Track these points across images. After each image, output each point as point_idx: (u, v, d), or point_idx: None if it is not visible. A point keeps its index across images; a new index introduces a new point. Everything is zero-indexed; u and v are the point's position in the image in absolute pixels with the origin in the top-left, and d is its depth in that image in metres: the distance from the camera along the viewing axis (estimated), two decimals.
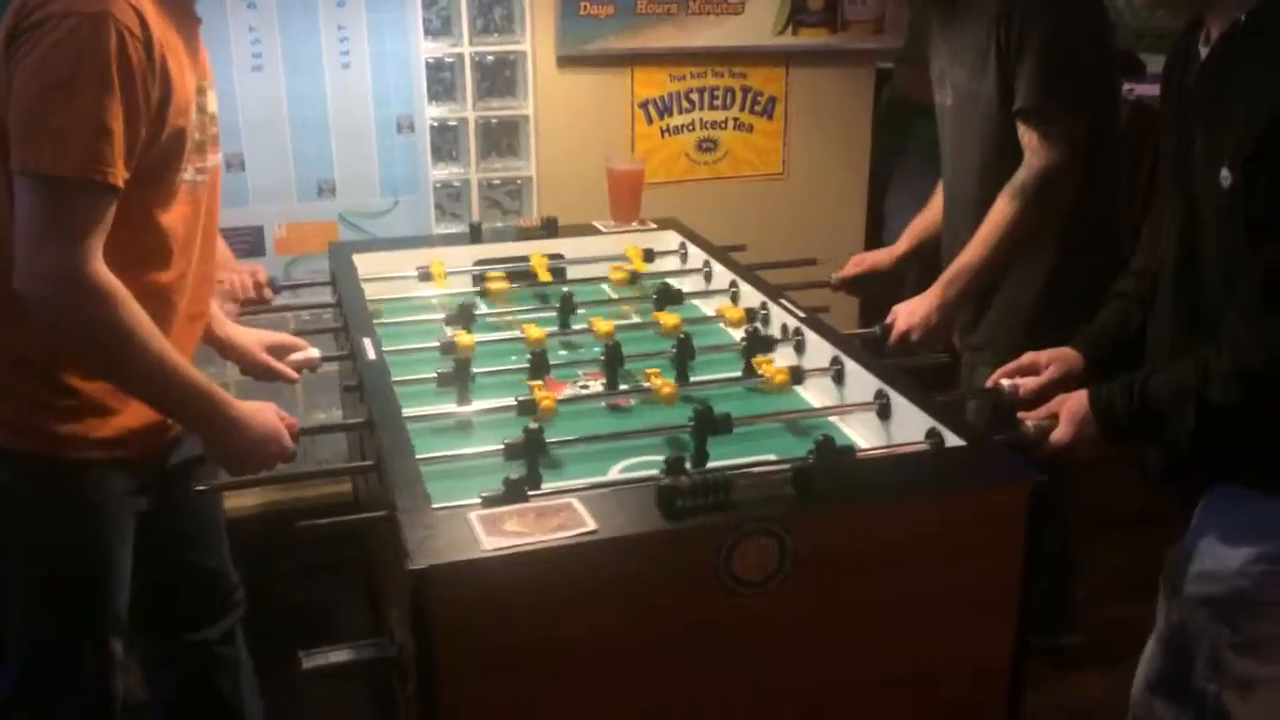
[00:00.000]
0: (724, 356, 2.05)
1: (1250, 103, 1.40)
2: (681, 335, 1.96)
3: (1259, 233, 1.41)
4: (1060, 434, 1.64)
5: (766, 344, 1.99)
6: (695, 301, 2.38)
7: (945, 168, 2.42)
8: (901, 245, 2.56)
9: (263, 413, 1.65)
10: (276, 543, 2.25)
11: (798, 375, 1.89)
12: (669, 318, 2.09)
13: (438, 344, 1.97)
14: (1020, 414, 1.70)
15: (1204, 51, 1.53)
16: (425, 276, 2.38)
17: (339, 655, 1.45)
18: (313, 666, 1.43)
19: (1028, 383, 1.80)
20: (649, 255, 2.52)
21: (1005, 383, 1.82)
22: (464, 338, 1.96)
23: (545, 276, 2.41)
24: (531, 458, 1.54)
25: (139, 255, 1.57)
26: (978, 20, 2.18)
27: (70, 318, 1.45)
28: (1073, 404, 1.64)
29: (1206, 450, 1.58)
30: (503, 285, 2.33)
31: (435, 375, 1.85)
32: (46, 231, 1.42)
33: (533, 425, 1.57)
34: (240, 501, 3.05)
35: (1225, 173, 1.44)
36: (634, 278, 2.42)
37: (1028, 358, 1.83)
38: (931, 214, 2.52)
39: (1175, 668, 1.69)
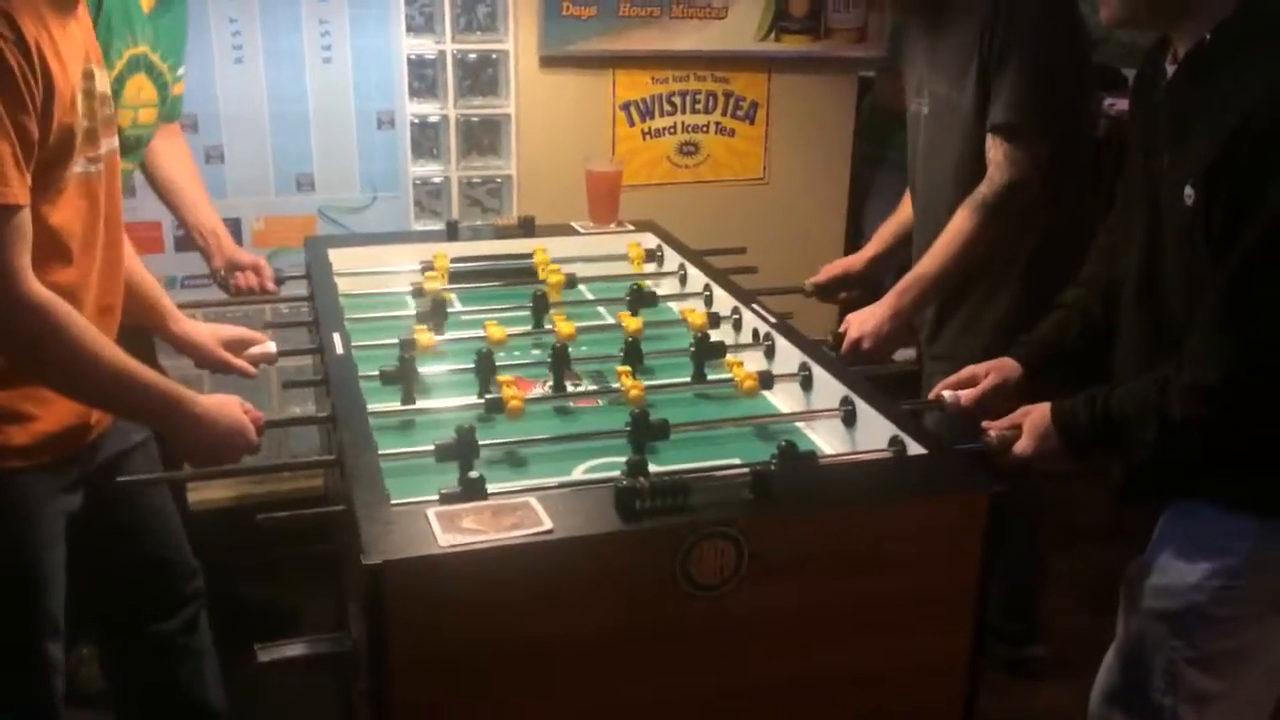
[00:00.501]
0: (684, 360, 2.05)
1: (1212, 121, 1.41)
2: (629, 340, 1.97)
3: (1218, 249, 1.43)
4: (1022, 445, 1.65)
5: (718, 350, 1.99)
6: (670, 304, 2.38)
7: (916, 177, 2.43)
8: (871, 248, 2.57)
9: (226, 406, 1.64)
10: (248, 536, 2.25)
11: (767, 380, 1.90)
12: (632, 320, 2.09)
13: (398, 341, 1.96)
14: (984, 424, 1.71)
15: (1170, 70, 1.54)
16: (428, 269, 2.37)
17: (294, 649, 1.45)
18: (268, 660, 1.43)
19: (968, 394, 1.82)
20: (651, 255, 2.52)
21: (947, 394, 1.84)
22: (424, 336, 1.95)
23: (556, 279, 2.38)
24: (464, 459, 1.53)
25: (35, 257, 1.47)
26: (962, 30, 2.19)
27: (19, 339, 1.43)
28: (1036, 416, 1.65)
29: (1166, 465, 1.60)
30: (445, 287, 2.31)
31: (377, 373, 1.83)
32: None
33: (465, 426, 1.55)
34: (212, 494, 3.06)
35: (1189, 190, 1.45)
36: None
37: (967, 370, 1.86)
38: (901, 217, 2.54)
39: (1132, 681, 1.70)
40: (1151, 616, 1.65)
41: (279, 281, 2.41)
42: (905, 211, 2.54)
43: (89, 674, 2.44)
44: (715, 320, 2.14)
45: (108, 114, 1.63)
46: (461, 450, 1.53)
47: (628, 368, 1.88)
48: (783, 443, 1.54)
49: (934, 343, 2.42)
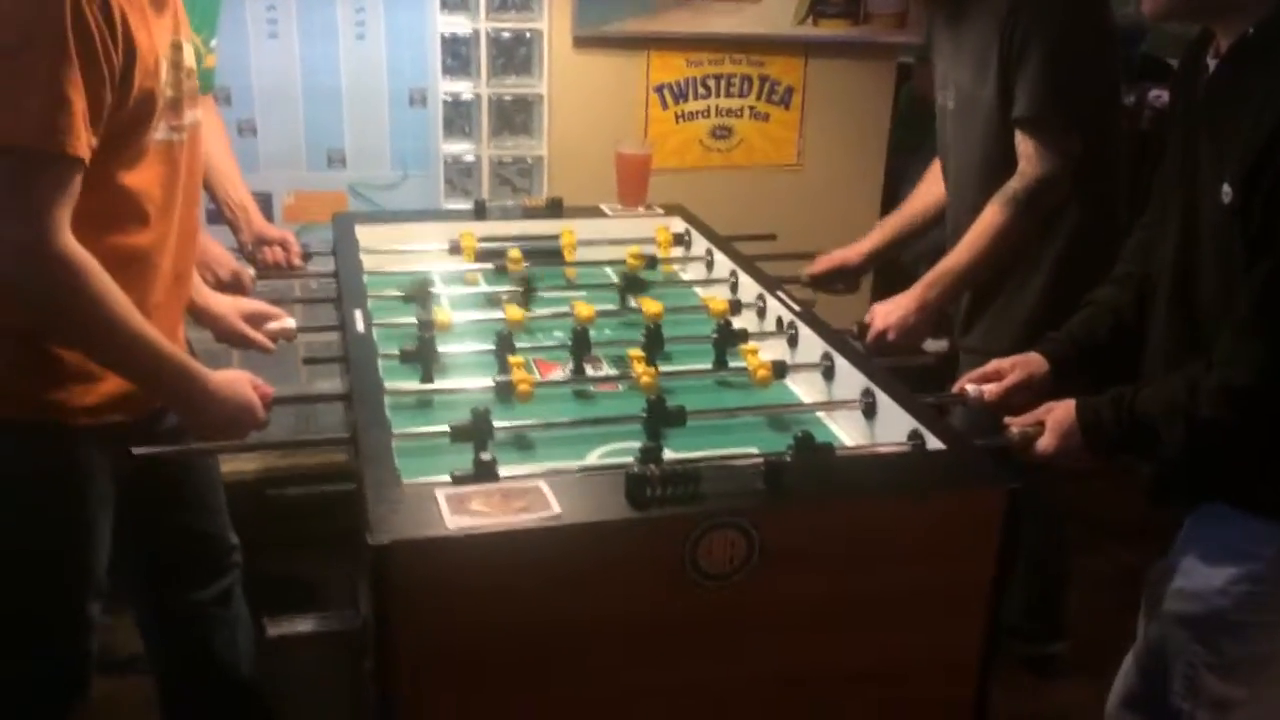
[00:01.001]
0: (707, 347, 2.03)
1: (1254, 118, 1.37)
2: (650, 325, 1.95)
3: (1255, 249, 1.39)
4: (1045, 443, 1.63)
5: (739, 337, 1.97)
6: (697, 290, 2.37)
7: (946, 170, 2.39)
8: (869, 241, 2.52)
9: (237, 383, 1.65)
10: (273, 508, 2.27)
11: (781, 370, 1.87)
12: (651, 305, 2.07)
13: (417, 320, 1.96)
14: (1006, 420, 1.69)
15: (1212, 64, 1.50)
16: (455, 249, 2.37)
17: (304, 625, 1.46)
18: (277, 634, 1.44)
19: (991, 388, 1.79)
20: (679, 240, 2.50)
21: (970, 388, 1.82)
22: (442, 315, 1.94)
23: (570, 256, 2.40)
24: (479, 440, 1.52)
25: (113, 218, 1.55)
26: (983, 22, 2.15)
27: (37, 291, 1.44)
28: (1059, 413, 1.62)
29: (1194, 467, 1.56)
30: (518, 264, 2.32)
31: (397, 351, 1.83)
32: (8, 204, 1.39)
33: (480, 408, 1.55)
34: (238, 466, 3.08)
35: (1226, 188, 1.42)
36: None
37: (993, 365, 1.83)
38: (906, 210, 2.52)
39: (1151, 686, 1.68)
40: (1173, 621, 1.62)
41: (306, 257, 2.42)
42: (910, 204, 2.52)
43: (115, 640, 2.47)
44: (736, 307, 2.12)
45: (192, 86, 1.68)
46: (476, 432, 1.52)
47: (640, 353, 1.87)
48: (799, 433, 1.52)
49: (966, 335, 2.39)
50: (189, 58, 1.66)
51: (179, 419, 1.65)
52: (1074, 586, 2.68)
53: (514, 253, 2.32)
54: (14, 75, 1.38)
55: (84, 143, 1.42)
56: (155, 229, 1.62)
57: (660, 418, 1.62)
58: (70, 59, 1.39)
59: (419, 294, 2.09)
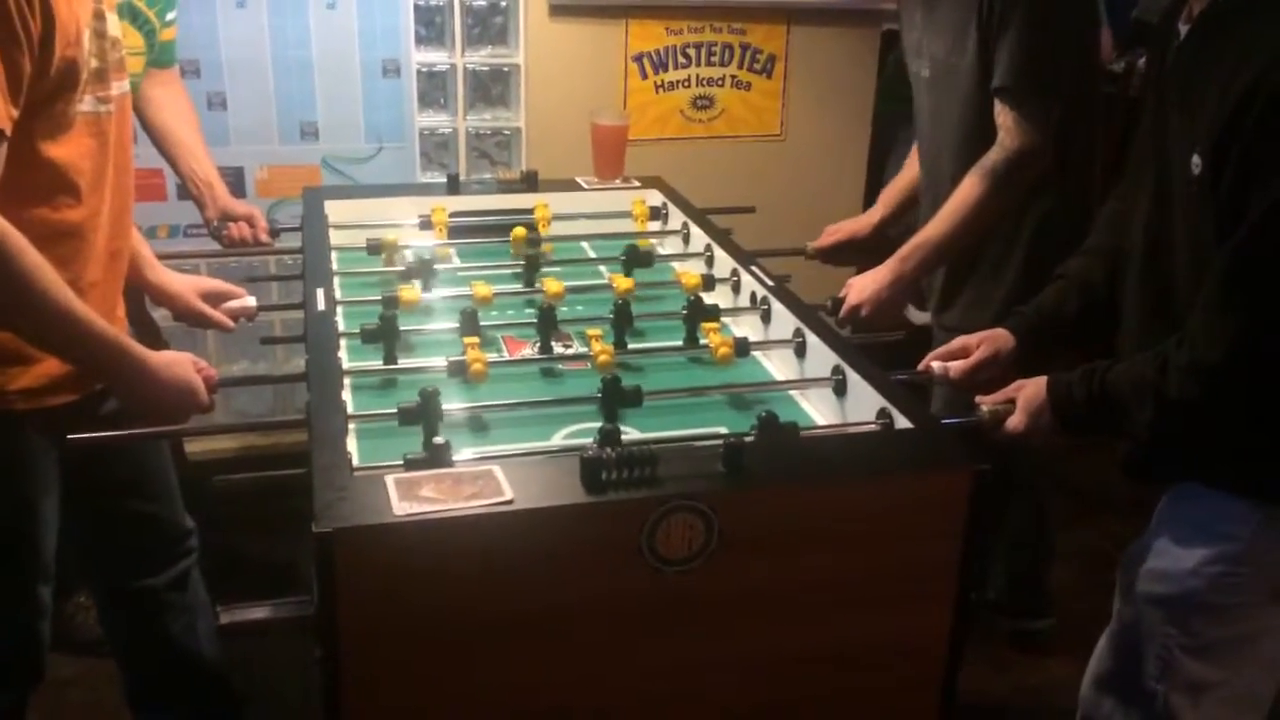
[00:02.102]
0: (675, 323, 1.99)
1: (1222, 87, 1.32)
2: (619, 301, 1.91)
3: (1224, 222, 1.35)
4: (1015, 421, 1.59)
5: (709, 313, 1.93)
6: (674, 264, 2.32)
7: (922, 140, 2.34)
8: (877, 211, 2.49)
9: (177, 365, 1.61)
10: (253, 489, 2.23)
11: (743, 347, 1.84)
12: (623, 281, 2.03)
13: (382, 297, 1.92)
14: (977, 399, 1.65)
15: (1184, 30, 1.45)
16: (426, 225, 2.33)
17: (257, 612, 1.44)
18: (230, 621, 1.42)
19: (957, 365, 1.76)
20: (655, 213, 2.45)
21: (935, 365, 1.78)
22: (408, 292, 1.91)
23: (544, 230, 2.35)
24: (428, 423, 1.48)
25: (41, 192, 1.51)
26: None
27: None
28: (1030, 391, 1.59)
29: (1165, 446, 1.53)
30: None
31: (359, 330, 1.80)
32: None
33: (429, 389, 1.51)
34: (215, 445, 3.05)
35: (1196, 159, 1.37)
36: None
37: (959, 341, 1.79)
38: (907, 178, 2.46)
39: (1125, 667, 1.65)
40: (1147, 601, 1.60)
41: (274, 233, 2.38)
42: (911, 172, 2.45)
43: (85, 621, 2.46)
44: (710, 282, 2.08)
45: (118, 57, 1.63)
46: (424, 414, 1.49)
47: (598, 331, 1.82)
48: (762, 414, 1.49)
49: (944, 313, 2.35)
50: (113, 27, 1.61)
51: (118, 401, 1.61)
52: (1067, 562, 2.66)
53: (519, 230, 2.27)
54: None
55: (4, 115, 1.37)
56: (87, 204, 1.58)
57: (616, 398, 1.58)
58: None
59: (422, 270, 2.06)
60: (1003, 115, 2.06)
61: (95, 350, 1.51)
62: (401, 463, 1.39)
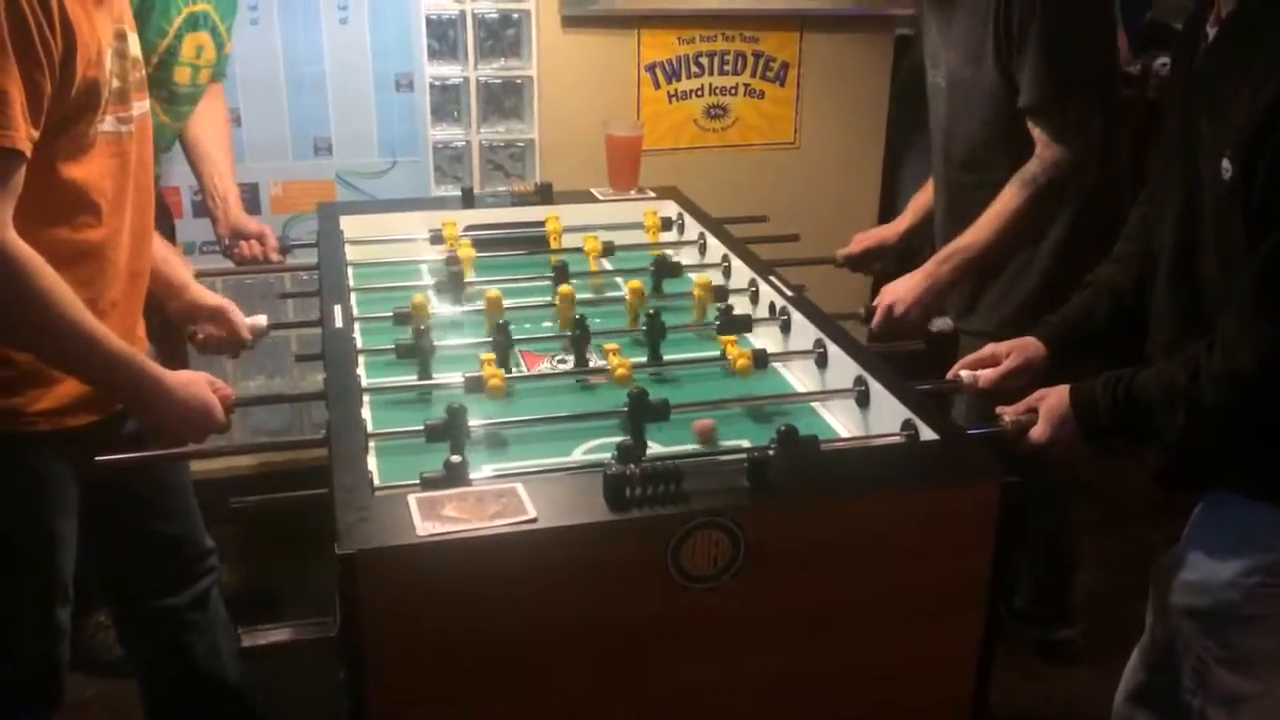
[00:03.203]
0: (694, 335, 1.98)
1: (1253, 91, 1.30)
2: (650, 312, 1.89)
3: (1255, 227, 1.32)
4: (1039, 431, 1.57)
5: (741, 324, 1.92)
6: (691, 275, 2.30)
7: (935, 149, 2.33)
8: (906, 219, 2.48)
9: (194, 385, 1.61)
10: (270, 506, 2.22)
11: (761, 359, 1.82)
12: (638, 294, 2.01)
13: (399, 312, 1.91)
14: (999, 409, 1.63)
15: (1211, 33, 1.43)
16: (437, 239, 2.31)
17: (279, 634, 1.43)
18: (251, 644, 1.40)
19: (987, 374, 1.74)
20: (669, 224, 2.44)
21: (964, 374, 1.76)
22: (422, 306, 1.89)
23: (555, 244, 2.35)
24: (455, 440, 1.47)
25: (62, 212, 1.51)
26: (972, 6, 2.08)
27: None
28: (1052, 400, 1.57)
29: (1197, 454, 1.50)
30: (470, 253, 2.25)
31: (393, 346, 1.79)
32: None
33: (455, 405, 1.49)
34: (235, 463, 3.04)
35: (1226, 164, 1.35)
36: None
37: (989, 349, 1.77)
38: (931, 190, 2.43)
39: (1159, 680, 1.63)
40: (1182, 614, 1.57)
41: (284, 251, 2.37)
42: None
43: (105, 640, 2.45)
44: (723, 294, 2.06)
45: (139, 77, 1.64)
46: (452, 430, 1.47)
47: (616, 345, 1.81)
48: (782, 427, 1.47)
49: (968, 318, 2.32)
50: (134, 47, 1.61)
51: (135, 421, 1.60)
52: (1095, 570, 2.62)
53: (592, 243, 2.25)
54: None
55: (23, 135, 1.37)
56: (108, 224, 1.58)
57: (644, 412, 1.57)
58: (5, 50, 1.34)
59: (451, 284, 2.05)
60: (1036, 130, 2.05)
61: (113, 370, 1.51)
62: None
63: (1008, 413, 1.60)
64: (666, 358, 1.87)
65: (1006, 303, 2.23)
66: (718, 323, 1.92)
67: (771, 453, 1.41)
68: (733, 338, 1.87)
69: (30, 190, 1.41)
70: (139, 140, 1.63)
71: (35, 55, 1.37)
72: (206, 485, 2.55)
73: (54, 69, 1.41)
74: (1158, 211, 1.59)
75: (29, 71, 1.37)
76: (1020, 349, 1.74)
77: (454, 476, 1.36)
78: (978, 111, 2.15)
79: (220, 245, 2.36)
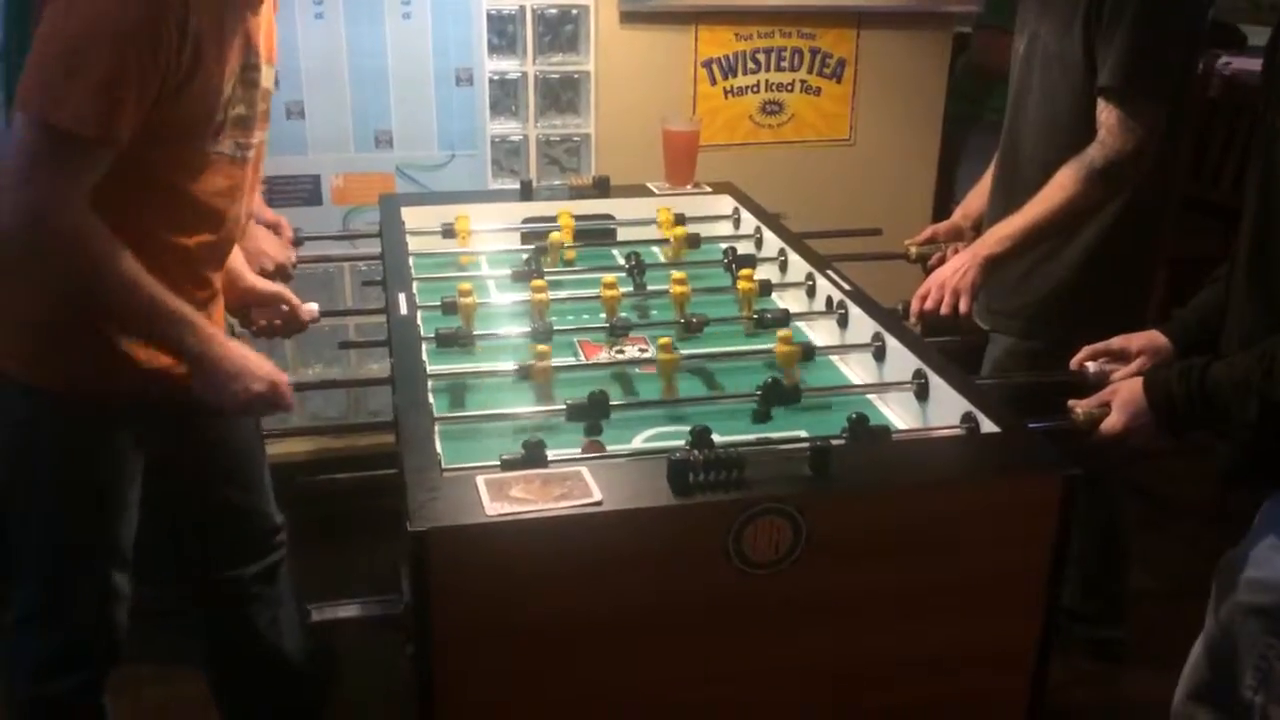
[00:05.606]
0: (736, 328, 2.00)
1: None
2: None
3: None
4: (1112, 422, 1.56)
5: (780, 320, 1.95)
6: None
7: (1008, 117, 2.28)
8: (974, 203, 2.43)
9: (263, 361, 1.65)
10: (328, 489, 2.26)
11: (808, 351, 1.83)
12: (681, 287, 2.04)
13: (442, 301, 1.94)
14: (1070, 402, 1.62)
15: None
16: (449, 234, 2.34)
17: (347, 610, 1.46)
18: (320, 619, 1.44)
19: (1124, 372, 1.69)
20: (679, 219, 2.45)
21: (1091, 366, 1.72)
22: (467, 297, 1.91)
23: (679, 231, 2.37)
24: (594, 419, 1.52)
25: (177, 221, 1.60)
26: None
27: (51, 265, 1.48)
28: (1126, 391, 1.56)
29: (1268, 448, 1.49)
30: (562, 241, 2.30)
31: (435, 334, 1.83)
32: (31, 169, 1.43)
33: (597, 390, 1.56)
34: (290, 448, 3.09)
35: None
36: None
37: (1118, 341, 1.73)
38: (985, 187, 2.42)
39: (1221, 677, 1.61)
40: (1245, 611, 1.56)
41: (298, 242, 2.30)
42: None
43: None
44: (766, 288, 2.09)
45: (265, 108, 1.72)
46: (593, 411, 1.53)
47: (668, 338, 1.82)
48: (853, 415, 1.48)
49: (1002, 300, 2.28)
50: (266, 79, 1.70)
51: (200, 391, 1.64)
52: (1145, 570, 2.60)
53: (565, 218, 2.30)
54: (73, 56, 1.42)
55: (122, 126, 1.44)
56: (211, 236, 1.67)
57: (775, 397, 1.61)
58: (129, 54, 1.42)
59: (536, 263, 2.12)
60: (1106, 113, 2.01)
61: (184, 335, 1.57)
62: (493, 464, 1.40)
63: (1080, 406, 1.59)
64: (716, 350, 1.90)
65: (1042, 288, 2.20)
66: (754, 318, 1.95)
67: (838, 441, 1.42)
68: (788, 331, 1.88)
69: (146, 195, 1.53)
70: (254, 167, 1.73)
71: (157, 59, 1.45)
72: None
73: (167, 81, 1.48)
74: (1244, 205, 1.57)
75: (145, 72, 1.44)
76: (1151, 350, 1.71)
77: (532, 458, 1.38)
78: (1061, 86, 2.11)
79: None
